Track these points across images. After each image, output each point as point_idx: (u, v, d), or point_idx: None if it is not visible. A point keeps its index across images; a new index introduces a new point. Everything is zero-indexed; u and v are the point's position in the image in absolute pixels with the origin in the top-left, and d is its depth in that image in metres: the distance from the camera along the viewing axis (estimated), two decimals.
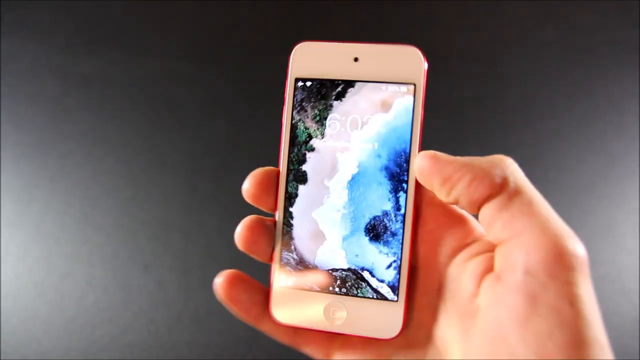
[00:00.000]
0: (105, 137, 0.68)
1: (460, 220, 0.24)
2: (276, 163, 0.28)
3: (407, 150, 0.24)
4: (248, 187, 0.27)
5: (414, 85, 0.24)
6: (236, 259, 0.66)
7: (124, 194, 0.67)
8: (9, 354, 0.63)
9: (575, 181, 0.67)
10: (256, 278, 0.27)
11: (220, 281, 0.25)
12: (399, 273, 0.24)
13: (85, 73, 0.70)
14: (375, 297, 0.24)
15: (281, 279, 0.25)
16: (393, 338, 0.23)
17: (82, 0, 0.71)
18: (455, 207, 0.24)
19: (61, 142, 0.68)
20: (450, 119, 0.68)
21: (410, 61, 0.24)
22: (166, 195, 0.67)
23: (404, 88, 0.24)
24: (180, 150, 0.68)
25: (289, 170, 0.26)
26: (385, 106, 0.24)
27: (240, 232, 0.26)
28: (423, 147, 0.25)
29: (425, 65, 0.25)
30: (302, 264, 0.25)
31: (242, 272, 0.25)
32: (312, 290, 0.25)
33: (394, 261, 0.24)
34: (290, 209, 0.26)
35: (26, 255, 0.66)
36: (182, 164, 0.67)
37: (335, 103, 0.25)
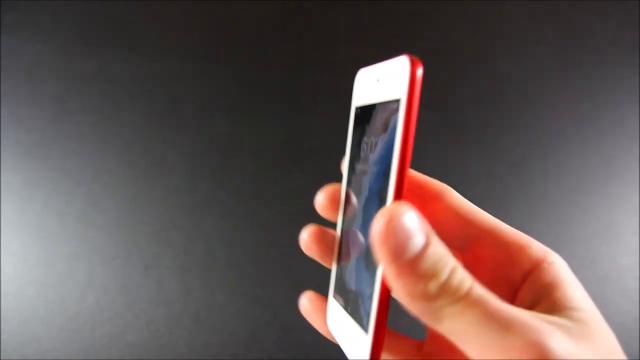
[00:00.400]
0: (105, 137, 0.68)
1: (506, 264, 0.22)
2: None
3: (388, 173, 0.22)
4: (320, 200, 0.28)
5: (399, 100, 0.22)
6: (236, 259, 0.66)
7: (124, 194, 0.67)
8: (9, 354, 0.63)
9: (575, 181, 0.67)
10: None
11: (305, 302, 0.29)
12: (370, 306, 0.22)
13: (85, 73, 0.70)
14: (359, 324, 0.24)
15: (331, 288, 0.28)
16: None
17: (82, 0, 0.71)
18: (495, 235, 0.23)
19: (61, 142, 0.68)
20: (450, 119, 0.68)
21: (398, 74, 0.22)
22: (166, 195, 0.67)
23: (394, 105, 0.22)
24: (180, 150, 0.68)
25: (345, 192, 0.27)
26: (385, 126, 0.23)
27: (302, 238, 0.28)
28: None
29: (409, 76, 0.21)
30: (341, 280, 0.27)
31: (318, 294, 0.29)
32: (340, 305, 0.26)
33: (372, 293, 0.22)
34: (342, 228, 0.27)
35: (26, 255, 0.66)
36: (182, 164, 0.67)
37: (366, 128, 0.25)
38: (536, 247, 0.22)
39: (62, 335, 0.64)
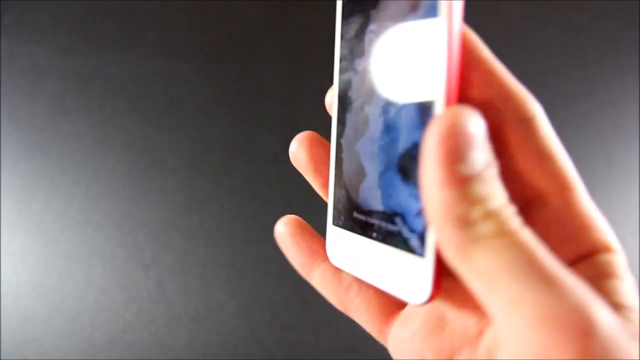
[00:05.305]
0: (105, 137, 0.68)
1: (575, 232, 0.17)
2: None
3: (439, 59, 0.17)
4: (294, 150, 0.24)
5: None
6: (236, 259, 0.66)
7: (124, 194, 0.67)
8: (9, 354, 0.63)
9: None
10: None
11: (281, 227, 0.24)
12: (421, 224, 0.18)
13: (85, 73, 0.70)
14: (405, 249, 0.19)
15: (333, 217, 0.23)
16: (421, 305, 0.19)
17: (82, 0, 0.71)
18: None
19: (61, 142, 0.68)
20: None
21: None
22: (166, 195, 0.67)
23: None
24: (180, 150, 0.68)
25: (339, 99, 0.22)
26: (414, 9, 0.19)
27: (295, 151, 0.24)
28: None
29: None
30: (349, 203, 0.22)
31: (301, 219, 0.24)
32: (355, 233, 0.22)
33: (420, 208, 0.18)
34: (341, 140, 0.22)
35: (26, 255, 0.66)
36: (182, 164, 0.67)
37: (372, 14, 0.21)
38: (600, 231, 0.18)
39: (62, 335, 0.64)
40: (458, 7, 0.18)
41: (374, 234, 0.21)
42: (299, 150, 0.24)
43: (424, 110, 0.18)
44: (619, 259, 0.18)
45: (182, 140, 0.68)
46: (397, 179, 0.19)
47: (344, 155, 0.22)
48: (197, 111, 0.69)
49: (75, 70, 0.70)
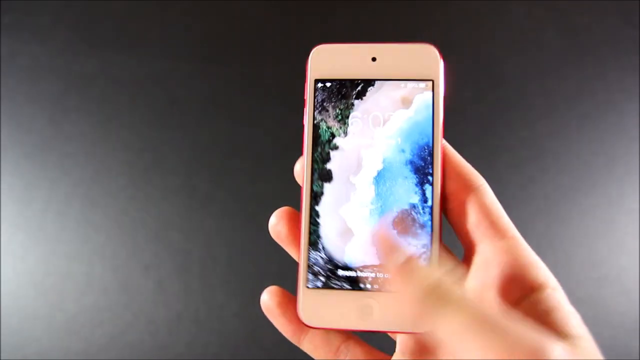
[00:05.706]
0: (105, 137, 0.68)
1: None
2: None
3: (430, 144, 0.25)
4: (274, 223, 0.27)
5: (432, 81, 0.25)
6: (236, 259, 0.66)
7: (124, 194, 0.67)
8: (9, 354, 0.63)
9: (575, 181, 0.67)
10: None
11: (266, 298, 0.26)
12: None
13: (85, 73, 0.70)
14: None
15: (309, 280, 0.25)
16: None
17: (82, 0, 0.71)
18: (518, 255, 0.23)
19: (61, 142, 0.68)
20: (451, 119, 0.68)
21: (427, 59, 0.25)
22: (166, 195, 0.67)
23: (422, 84, 0.25)
24: (180, 150, 0.68)
25: (313, 169, 0.26)
26: (406, 102, 0.25)
27: (274, 224, 0.27)
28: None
29: (442, 62, 0.25)
30: (331, 263, 0.25)
31: (284, 289, 0.26)
32: (342, 289, 0.25)
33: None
34: (317, 208, 0.26)
35: (26, 255, 0.66)
36: (182, 164, 0.67)
37: (356, 102, 0.26)
38: (542, 270, 0.23)
39: (62, 335, 0.64)
40: (442, 101, 0.25)
41: (369, 285, 0.24)
42: (278, 223, 0.27)
43: (420, 180, 0.24)
44: (559, 295, 0.22)
45: (182, 140, 0.68)
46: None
47: (322, 220, 0.25)
48: (197, 111, 0.69)
49: (75, 70, 0.70)
